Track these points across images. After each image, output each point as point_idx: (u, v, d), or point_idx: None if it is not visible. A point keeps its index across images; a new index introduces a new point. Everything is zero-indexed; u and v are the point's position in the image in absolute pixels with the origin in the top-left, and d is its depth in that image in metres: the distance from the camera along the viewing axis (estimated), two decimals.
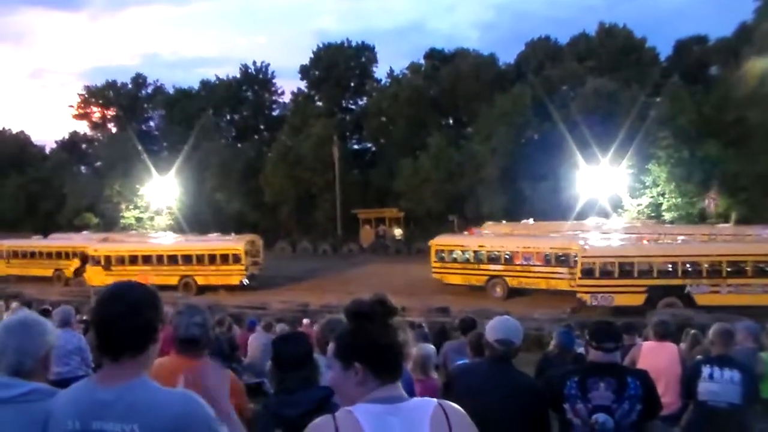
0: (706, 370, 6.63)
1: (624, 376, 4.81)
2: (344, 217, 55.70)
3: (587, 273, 31.18)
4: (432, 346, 8.34)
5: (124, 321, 2.77)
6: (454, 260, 37.99)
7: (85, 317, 18.20)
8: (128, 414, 2.69)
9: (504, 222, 44.27)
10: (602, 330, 4.94)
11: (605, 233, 37.93)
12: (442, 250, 38.28)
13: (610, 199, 46.46)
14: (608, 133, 45.52)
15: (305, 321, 20.30)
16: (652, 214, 46.13)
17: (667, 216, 45.41)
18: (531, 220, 42.84)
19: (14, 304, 11.07)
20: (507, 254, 36.24)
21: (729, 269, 29.96)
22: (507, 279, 35.94)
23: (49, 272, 45.37)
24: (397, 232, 47.21)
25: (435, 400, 2.52)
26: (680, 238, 35.13)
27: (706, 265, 29.99)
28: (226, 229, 48.75)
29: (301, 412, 3.72)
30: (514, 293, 35.63)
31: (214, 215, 58.81)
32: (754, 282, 29.48)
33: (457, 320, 11.29)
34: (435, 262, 38.38)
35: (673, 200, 46.46)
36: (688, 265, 30.36)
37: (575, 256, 32.70)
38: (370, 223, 54.34)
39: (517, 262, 35.79)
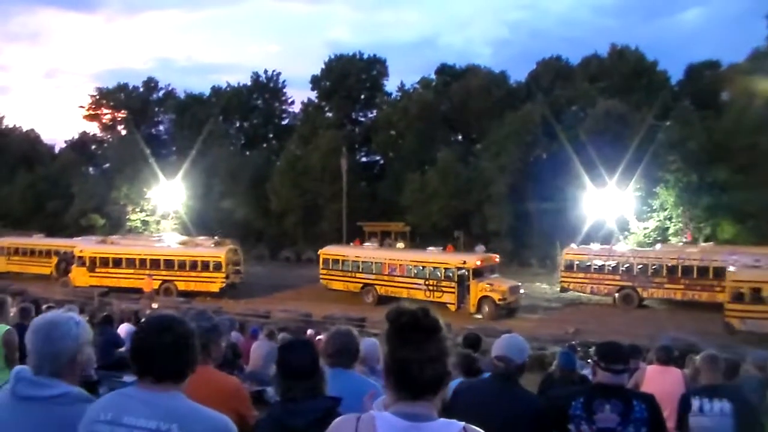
0: (695, 403, 6.24)
1: (630, 399, 4.75)
2: (350, 229, 55.57)
3: (737, 297, 31.27)
4: None
5: (175, 351, 2.97)
6: (338, 269, 41.42)
7: (87, 317, 18.20)
8: (168, 415, 2.84)
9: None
10: (612, 351, 4.87)
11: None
12: (328, 259, 42.17)
13: (617, 222, 46.32)
14: (617, 155, 45.39)
15: (309, 332, 20.28)
16: (659, 238, 45.93)
17: (673, 240, 45.15)
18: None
19: (26, 305, 11.00)
20: (377, 265, 39.98)
21: None
22: (377, 287, 39.57)
23: (47, 270, 45.62)
24: (399, 245, 47.19)
25: (461, 424, 2.44)
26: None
27: None
28: (231, 236, 48.85)
29: (306, 422, 3.69)
30: (384, 300, 37.63)
31: (220, 221, 58.84)
32: None
33: (459, 337, 11.19)
34: (322, 269, 42.33)
35: (681, 225, 46.31)
36: None
37: (434, 270, 37.60)
38: (376, 236, 54.23)
39: (385, 273, 39.54)
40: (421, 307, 2.55)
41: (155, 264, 41.79)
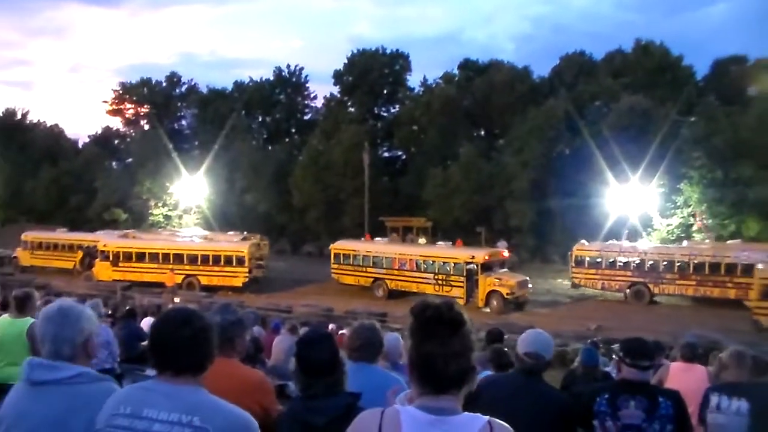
0: (713, 400, 6.00)
1: (655, 395, 4.72)
2: (372, 224, 55.51)
3: (766, 295, 31.36)
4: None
5: (193, 344, 2.98)
6: (348, 263, 42.35)
7: (110, 311, 18.39)
8: (190, 407, 2.85)
9: None
10: (638, 347, 4.83)
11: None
12: (339, 254, 43.05)
13: (640, 218, 46.04)
14: (640, 151, 45.07)
15: (331, 326, 20.33)
16: (682, 235, 45.58)
17: (697, 237, 44.75)
18: None
19: (50, 299, 11.12)
20: (387, 259, 40.90)
21: None
22: (387, 281, 40.47)
23: (70, 265, 45.97)
24: (421, 240, 47.27)
25: (486, 417, 2.44)
26: None
27: None
28: (253, 231, 48.98)
29: (327, 420, 3.67)
30: (394, 294, 39.30)
31: (242, 216, 58.98)
32: None
33: (482, 332, 11.16)
34: (333, 264, 43.16)
35: (705, 222, 45.89)
36: None
37: (443, 264, 38.28)
38: (398, 231, 54.20)
39: (395, 267, 40.30)
40: (445, 302, 2.55)
41: (179, 259, 42.11)
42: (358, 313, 29.38)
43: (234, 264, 41.35)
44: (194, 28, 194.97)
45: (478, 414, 2.48)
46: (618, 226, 44.68)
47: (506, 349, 8.08)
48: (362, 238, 46.97)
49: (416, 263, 39.47)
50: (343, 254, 42.79)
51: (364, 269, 41.60)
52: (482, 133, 65.74)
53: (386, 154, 69.90)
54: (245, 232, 47.43)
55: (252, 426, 2.95)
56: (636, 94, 52.45)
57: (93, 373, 3.37)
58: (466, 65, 69.54)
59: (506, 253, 40.29)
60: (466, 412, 2.47)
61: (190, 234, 49.00)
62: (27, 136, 79.42)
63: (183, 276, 41.33)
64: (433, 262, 38.85)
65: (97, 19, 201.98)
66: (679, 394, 4.87)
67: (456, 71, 68.76)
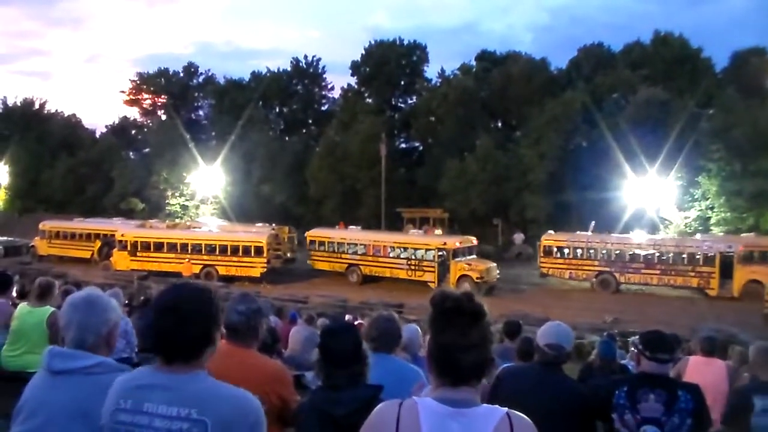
0: (759, 403, 5.64)
1: (675, 388, 4.67)
2: (388, 215, 55.44)
3: None
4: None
5: (178, 332, 2.88)
6: (324, 250, 43.68)
7: (126, 300, 18.47)
8: (187, 399, 2.77)
9: None
10: (657, 340, 4.78)
11: None
12: (314, 241, 44.38)
13: (657, 211, 45.86)
14: (658, 143, 44.87)
15: (347, 317, 20.37)
16: (700, 228, 45.37)
17: (715, 230, 44.54)
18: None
19: (69, 287, 11.16)
20: (361, 246, 42.26)
21: None
22: (361, 267, 41.90)
23: (87, 254, 46.17)
24: (437, 232, 47.22)
25: (504, 410, 2.43)
26: None
27: None
28: (270, 221, 49.17)
29: (347, 411, 3.67)
30: (368, 279, 41.47)
31: (259, 206, 59.08)
32: None
33: (500, 324, 11.15)
34: (309, 250, 44.52)
35: (723, 215, 45.67)
36: None
37: (415, 251, 39.75)
38: (414, 222, 54.11)
39: (369, 254, 41.73)
40: (465, 292, 2.55)
41: (197, 249, 42.27)
42: (373, 304, 29.44)
43: (252, 254, 41.45)
44: (211, 18, 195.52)
45: (497, 406, 2.47)
46: (635, 219, 44.52)
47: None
48: (336, 227, 48.25)
49: (389, 250, 41.04)
50: (319, 241, 44.03)
51: (338, 255, 42.87)
52: (499, 124, 65.61)
53: (403, 146, 69.92)
54: (273, 225, 47.51)
55: (254, 408, 2.87)
56: (654, 86, 52.24)
57: (112, 362, 3.36)
58: (484, 56, 69.35)
59: (475, 241, 41.68)
60: (484, 404, 2.46)
61: (214, 226, 49.07)
62: (45, 126, 79.65)
63: (201, 266, 41.43)
64: (407, 248, 40.37)
65: (115, 9, 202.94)
66: (698, 388, 4.82)
67: (473, 62, 68.62)
